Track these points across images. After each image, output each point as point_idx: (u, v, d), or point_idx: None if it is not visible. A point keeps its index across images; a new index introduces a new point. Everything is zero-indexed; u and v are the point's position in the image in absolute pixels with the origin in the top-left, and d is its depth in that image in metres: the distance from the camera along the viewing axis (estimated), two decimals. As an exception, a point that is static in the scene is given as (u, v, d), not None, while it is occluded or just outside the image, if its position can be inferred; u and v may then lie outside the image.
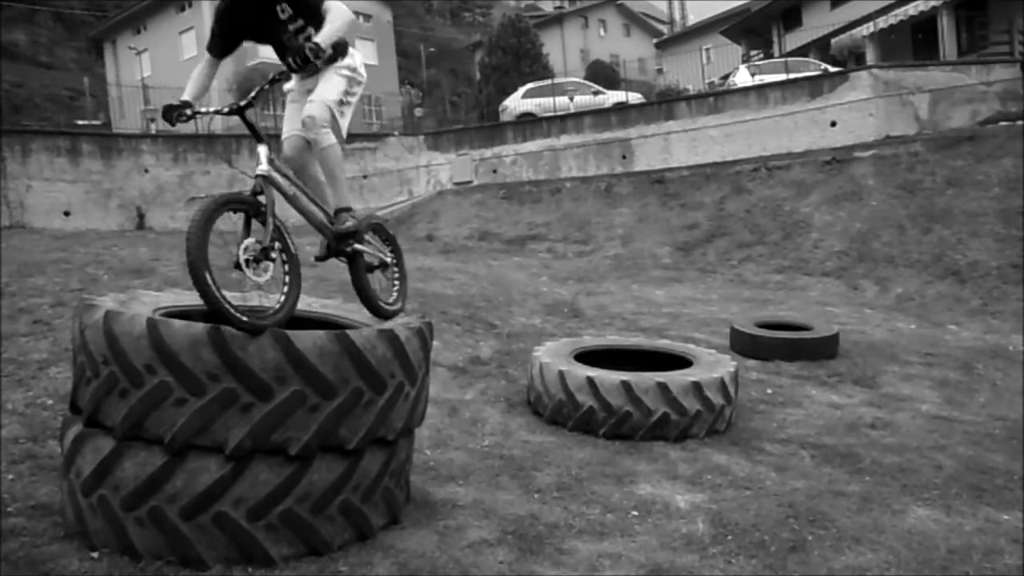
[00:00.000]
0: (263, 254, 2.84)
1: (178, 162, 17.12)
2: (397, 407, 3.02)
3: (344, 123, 3.34)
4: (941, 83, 17.19)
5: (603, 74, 29.21)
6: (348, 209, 3.37)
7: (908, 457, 4.52)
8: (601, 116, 19.30)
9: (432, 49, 41.76)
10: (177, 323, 2.70)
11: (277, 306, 2.87)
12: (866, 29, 23.60)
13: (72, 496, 2.82)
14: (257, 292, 2.97)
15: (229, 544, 2.70)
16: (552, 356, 5.11)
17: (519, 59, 26.63)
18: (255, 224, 2.88)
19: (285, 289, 2.92)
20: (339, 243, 3.33)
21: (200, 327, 2.67)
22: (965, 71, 17.58)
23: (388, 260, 3.61)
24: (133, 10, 32.66)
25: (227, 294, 2.72)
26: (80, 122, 23.88)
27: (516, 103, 21.57)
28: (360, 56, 3.44)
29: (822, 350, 6.87)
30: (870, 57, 23.02)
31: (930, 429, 5.14)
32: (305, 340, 2.74)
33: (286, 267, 2.94)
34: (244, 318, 2.66)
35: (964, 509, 3.73)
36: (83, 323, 2.84)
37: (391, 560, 2.88)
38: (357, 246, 3.37)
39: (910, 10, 22.42)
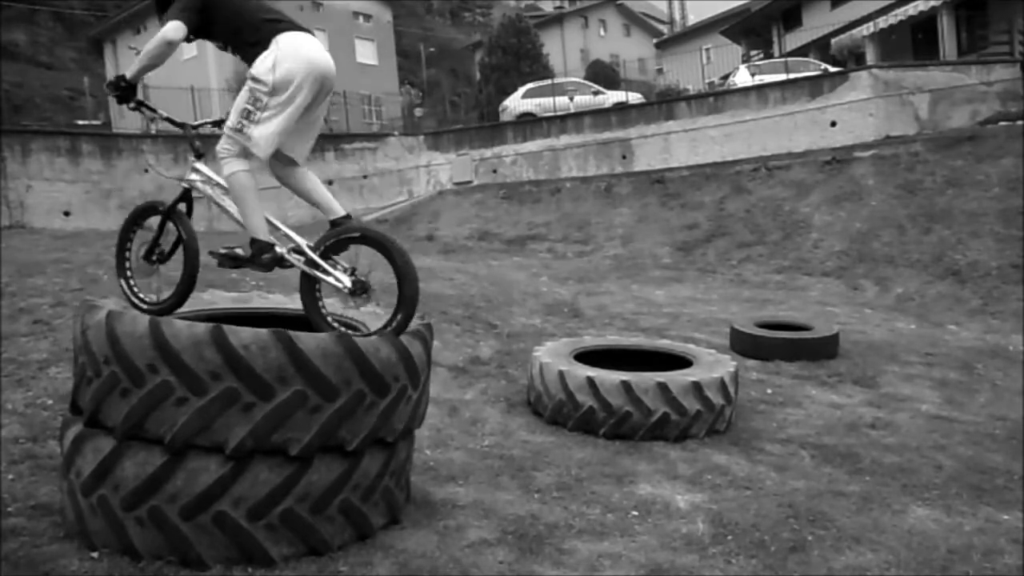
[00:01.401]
0: (146, 258, 3.30)
1: (178, 162, 17.11)
2: (399, 410, 3.01)
3: (262, 131, 3.08)
4: (941, 83, 17.20)
5: (603, 74, 29.22)
6: (256, 242, 3.14)
7: (908, 457, 4.52)
8: (601, 116, 19.31)
9: (432, 49, 41.75)
10: (180, 323, 2.71)
11: (161, 300, 3.25)
12: (866, 29, 23.61)
13: (72, 496, 2.82)
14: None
15: (229, 544, 2.70)
16: (552, 356, 5.10)
17: (519, 59, 26.63)
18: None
19: (173, 288, 3.24)
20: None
21: (202, 327, 2.67)
22: (965, 71, 17.58)
23: (342, 287, 3.09)
24: (133, 10, 32.63)
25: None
26: (80, 122, 23.86)
27: (516, 103, 21.57)
28: (271, 57, 3.09)
29: (822, 350, 6.87)
30: (870, 57, 23.04)
31: (930, 429, 5.15)
32: (308, 341, 2.74)
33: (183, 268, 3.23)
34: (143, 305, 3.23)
35: (964, 509, 3.73)
36: (85, 323, 2.85)
37: (391, 560, 2.88)
38: (299, 265, 3.15)
39: (910, 10, 22.43)
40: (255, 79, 3.10)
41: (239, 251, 3.21)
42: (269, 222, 3.24)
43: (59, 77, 34.09)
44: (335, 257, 3.16)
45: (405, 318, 3.07)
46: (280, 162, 3.31)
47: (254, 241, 3.17)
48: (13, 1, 34.43)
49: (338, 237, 3.15)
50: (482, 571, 2.87)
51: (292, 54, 3.10)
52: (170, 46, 3.07)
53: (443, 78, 39.56)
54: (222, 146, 3.16)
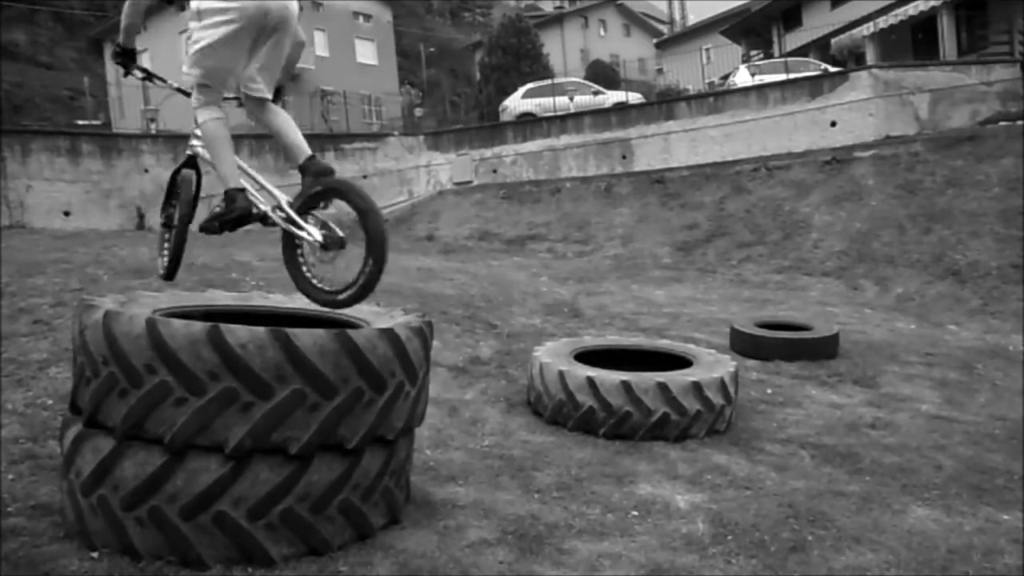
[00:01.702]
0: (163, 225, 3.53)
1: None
2: (397, 407, 3.01)
3: (207, 61, 3.01)
4: (941, 83, 17.20)
5: (603, 74, 29.24)
6: (227, 192, 3.11)
7: (908, 457, 4.52)
8: (601, 116, 19.31)
9: (432, 49, 41.77)
10: (176, 322, 2.70)
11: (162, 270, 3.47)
12: (866, 29, 23.63)
13: (72, 496, 2.82)
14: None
15: (229, 544, 2.69)
16: (552, 356, 5.10)
17: (519, 59, 26.66)
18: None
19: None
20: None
21: (199, 326, 2.66)
22: (965, 71, 17.59)
23: (312, 240, 3.06)
24: (133, 10, 32.63)
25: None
26: (80, 122, 23.87)
27: (516, 103, 21.59)
28: None
29: (822, 350, 6.87)
30: (870, 57, 23.05)
31: (930, 429, 5.14)
32: (305, 339, 2.74)
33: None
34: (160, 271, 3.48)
35: (964, 509, 3.73)
36: (83, 323, 2.84)
37: (391, 560, 2.88)
38: (280, 223, 3.14)
39: (910, 10, 22.44)
40: (189, 10, 3.05)
41: (216, 209, 3.17)
42: (255, 180, 3.25)
43: (59, 77, 34.10)
44: (314, 212, 3.13)
45: (377, 262, 2.90)
46: (252, 102, 3.26)
47: (226, 191, 3.13)
48: (13, 1, 34.42)
49: (307, 194, 3.12)
50: (482, 571, 2.87)
51: None
52: (134, 3, 3.12)
53: (443, 78, 39.58)
54: (194, 95, 3.15)
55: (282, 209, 3.13)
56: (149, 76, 3.38)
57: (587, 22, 43.12)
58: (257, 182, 3.25)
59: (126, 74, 3.33)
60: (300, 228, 3.09)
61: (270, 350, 2.68)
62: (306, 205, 3.11)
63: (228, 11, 2.94)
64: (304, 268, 3.18)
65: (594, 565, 2.98)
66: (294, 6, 3.14)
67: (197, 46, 3.01)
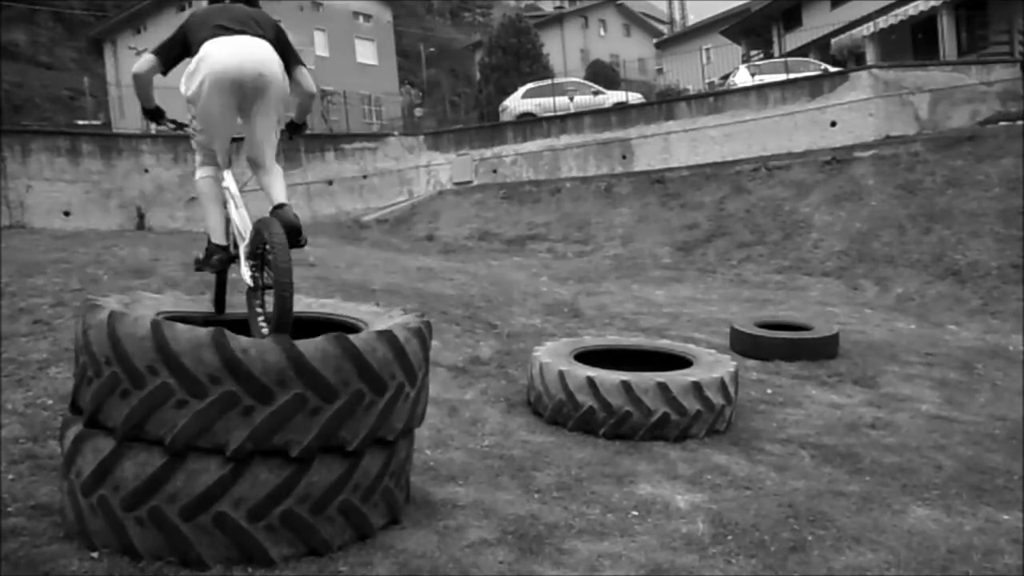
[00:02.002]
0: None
1: (178, 162, 17.12)
2: (397, 408, 3.01)
3: (198, 138, 3.38)
4: (941, 83, 17.21)
5: (603, 74, 29.25)
6: (208, 244, 3.40)
7: (908, 457, 4.52)
8: (601, 116, 19.31)
9: (432, 49, 41.77)
10: (180, 326, 2.71)
11: None
12: (866, 29, 23.63)
13: (72, 496, 2.82)
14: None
15: (229, 544, 2.69)
16: (552, 356, 5.10)
17: (519, 59, 26.66)
18: None
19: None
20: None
21: (203, 330, 2.67)
22: (965, 71, 17.60)
23: (244, 280, 3.23)
24: (133, 10, 32.63)
25: None
26: (80, 122, 23.84)
27: (516, 103, 21.59)
28: (188, 69, 3.20)
29: (822, 350, 6.87)
30: (870, 57, 23.05)
31: (930, 429, 5.15)
32: (307, 344, 2.74)
33: None
34: None
35: (964, 509, 3.73)
36: (87, 323, 2.84)
37: (391, 560, 2.88)
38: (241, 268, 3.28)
39: (910, 10, 22.44)
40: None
41: (199, 256, 3.45)
42: (241, 216, 3.31)
43: (59, 77, 34.09)
44: (266, 254, 3.13)
45: (280, 298, 2.85)
46: (253, 165, 3.42)
47: (208, 244, 3.39)
48: (13, 1, 34.41)
49: (255, 231, 3.15)
50: (482, 571, 2.87)
51: (200, 64, 3.15)
52: (136, 78, 3.34)
53: (443, 78, 39.59)
54: (196, 154, 3.47)
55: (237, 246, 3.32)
56: (180, 126, 3.54)
57: (587, 22, 43.11)
58: (242, 217, 3.31)
59: (159, 126, 3.61)
60: (239, 267, 3.25)
61: (272, 355, 2.68)
62: (252, 244, 3.19)
63: (210, 92, 3.13)
64: (257, 305, 3.21)
65: (594, 565, 2.98)
66: (275, 70, 3.19)
67: (194, 121, 3.29)
